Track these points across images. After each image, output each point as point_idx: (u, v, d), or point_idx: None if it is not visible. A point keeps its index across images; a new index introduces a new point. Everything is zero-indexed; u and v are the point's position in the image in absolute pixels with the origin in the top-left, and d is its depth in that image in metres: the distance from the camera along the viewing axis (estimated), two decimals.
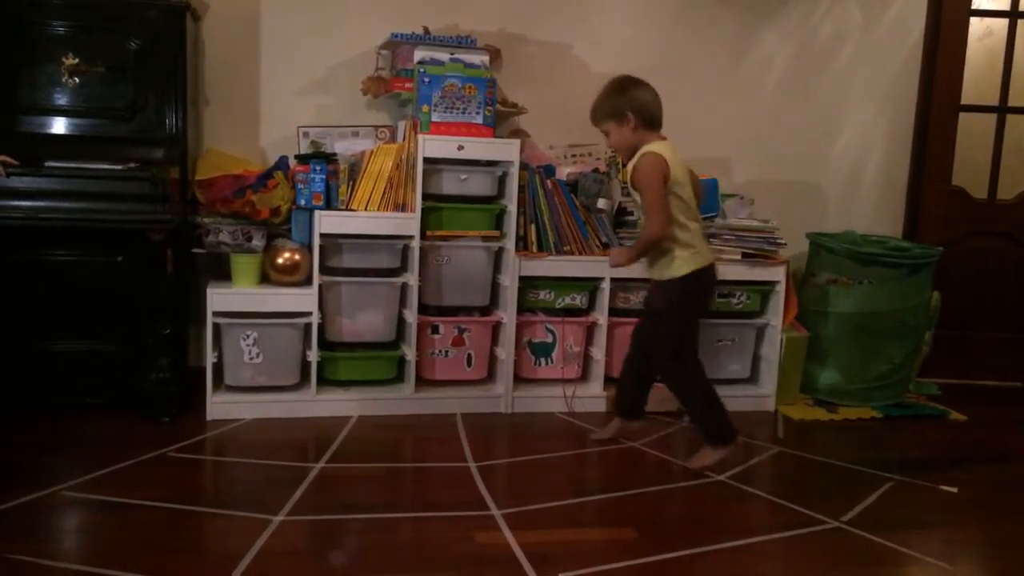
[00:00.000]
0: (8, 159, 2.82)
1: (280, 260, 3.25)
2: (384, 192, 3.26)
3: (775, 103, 4.13)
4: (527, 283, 3.43)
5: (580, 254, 3.44)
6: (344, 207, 3.26)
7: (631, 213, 3.53)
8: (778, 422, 3.51)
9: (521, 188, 3.37)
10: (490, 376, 3.55)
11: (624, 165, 3.03)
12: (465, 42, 3.43)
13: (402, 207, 3.28)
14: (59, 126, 3.11)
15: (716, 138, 4.05)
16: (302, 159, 3.31)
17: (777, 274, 3.59)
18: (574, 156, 3.73)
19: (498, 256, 3.46)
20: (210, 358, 3.19)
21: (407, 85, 3.35)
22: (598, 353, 3.50)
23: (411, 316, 3.33)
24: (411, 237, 3.29)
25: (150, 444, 2.87)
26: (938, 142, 4.25)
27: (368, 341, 3.41)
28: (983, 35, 4.34)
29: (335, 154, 3.39)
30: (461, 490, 2.66)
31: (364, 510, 2.47)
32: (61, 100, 3.09)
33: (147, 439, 2.92)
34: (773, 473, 2.98)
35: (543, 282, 3.46)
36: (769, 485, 2.82)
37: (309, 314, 3.24)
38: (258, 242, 3.28)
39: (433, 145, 3.25)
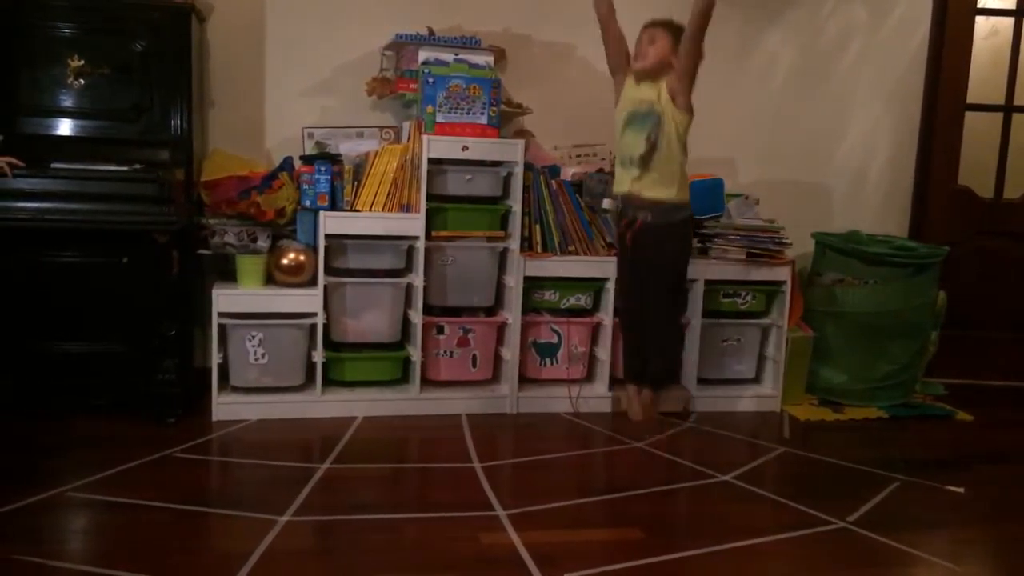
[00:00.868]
0: (14, 160, 2.83)
1: (285, 261, 3.26)
2: (389, 193, 3.27)
3: (780, 103, 4.12)
4: (532, 283, 3.43)
5: (585, 254, 3.44)
6: (349, 208, 3.26)
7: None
8: (784, 422, 3.51)
9: (526, 188, 3.37)
10: (495, 377, 3.54)
11: (637, 75, 3.13)
12: (469, 42, 3.43)
13: (407, 208, 3.28)
14: (65, 128, 3.12)
15: (721, 138, 4.04)
16: (307, 160, 3.32)
17: (782, 274, 3.59)
18: (579, 156, 3.72)
19: (503, 256, 3.46)
20: (215, 359, 3.19)
21: (412, 86, 3.35)
22: (603, 353, 3.49)
23: (416, 317, 3.33)
24: (416, 238, 3.29)
25: (155, 445, 2.87)
26: (944, 141, 4.23)
27: (373, 342, 3.41)
28: (989, 34, 4.32)
29: (340, 155, 3.39)
30: (466, 491, 2.66)
31: (369, 511, 2.47)
32: (67, 102, 3.10)
33: (152, 440, 2.92)
34: (779, 473, 2.98)
35: (548, 282, 3.46)
36: (775, 485, 2.82)
37: (314, 315, 3.24)
38: (263, 243, 3.28)
39: (438, 146, 3.25)
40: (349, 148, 3.47)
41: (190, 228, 3.21)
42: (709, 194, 3.51)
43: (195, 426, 3.09)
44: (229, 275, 3.32)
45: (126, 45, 3.11)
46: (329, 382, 3.35)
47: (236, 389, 3.27)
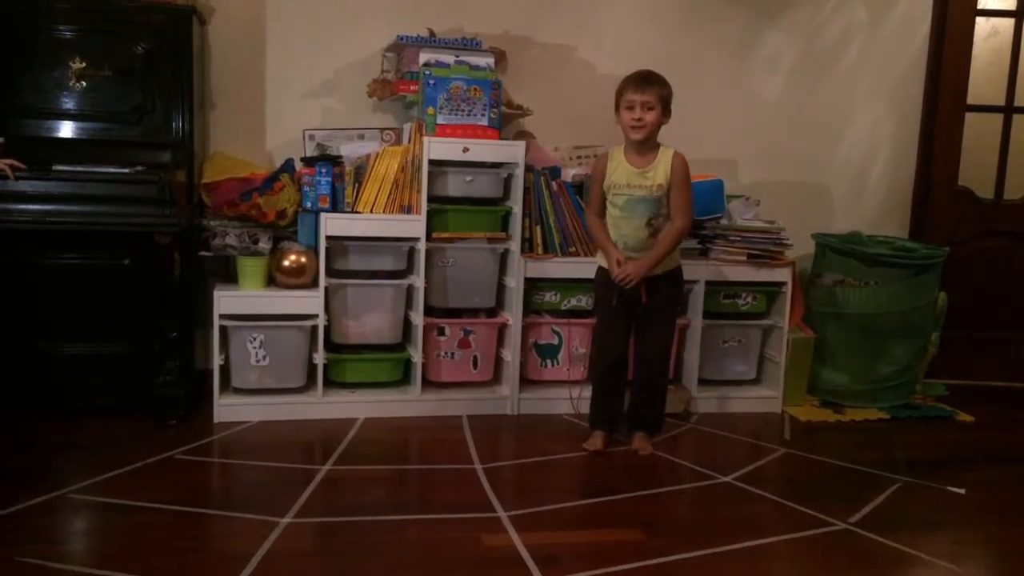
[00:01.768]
0: (15, 163, 2.84)
1: (286, 262, 3.26)
2: (390, 194, 3.27)
3: (781, 103, 4.12)
4: (533, 285, 3.43)
5: (586, 255, 3.44)
6: (350, 209, 3.27)
7: None
8: (785, 423, 3.51)
9: (526, 190, 3.37)
10: (496, 378, 3.55)
11: (634, 146, 2.94)
12: (470, 44, 3.43)
13: (408, 209, 3.29)
14: (66, 130, 3.13)
15: (722, 138, 4.05)
16: (308, 162, 3.32)
17: (783, 275, 3.59)
18: (579, 158, 3.72)
19: (504, 258, 3.46)
20: (217, 360, 3.19)
21: (412, 87, 3.36)
22: None
23: (417, 318, 3.33)
24: (417, 239, 3.29)
25: (157, 446, 2.88)
26: (944, 142, 4.23)
27: (374, 343, 3.42)
28: (989, 35, 4.32)
29: (341, 157, 3.39)
30: (467, 492, 2.66)
31: (371, 512, 2.47)
32: (68, 104, 3.11)
33: (154, 441, 2.93)
34: (780, 474, 2.98)
35: (549, 284, 3.46)
36: (776, 486, 2.82)
37: (315, 316, 3.24)
38: (264, 245, 3.29)
39: (438, 147, 3.25)
40: (350, 150, 3.47)
41: (191, 230, 3.22)
42: (709, 195, 3.50)
43: (196, 428, 3.09)
44: (230, 277, 3.33)
45: (128, 47, 3.12)
46: (330, 383, 3.36)
47: (237, 391, 3.27)
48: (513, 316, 3.41)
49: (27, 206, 2.89)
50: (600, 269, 3.10)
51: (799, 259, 3.78)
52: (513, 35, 3.76)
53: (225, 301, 3.18)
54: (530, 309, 3.48)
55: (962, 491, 2.83)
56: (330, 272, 3.29)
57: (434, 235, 3.32)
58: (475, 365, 3.48)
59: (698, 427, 3.38)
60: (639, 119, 2.87)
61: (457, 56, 3.34)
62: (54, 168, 2.94)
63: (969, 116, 4.25)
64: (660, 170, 2.90)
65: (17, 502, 2.40)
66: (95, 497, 2.48)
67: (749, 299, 3.63)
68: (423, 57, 3.32)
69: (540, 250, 3.41)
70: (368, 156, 3.33)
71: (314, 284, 3.27)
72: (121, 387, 3.16)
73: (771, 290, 3.63)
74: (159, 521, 2.36)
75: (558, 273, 3.43)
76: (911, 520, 2.60)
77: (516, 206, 3.36)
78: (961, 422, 3.67)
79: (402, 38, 3.41)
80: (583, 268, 3.39)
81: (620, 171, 2.96)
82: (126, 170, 3.00)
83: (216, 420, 3.17)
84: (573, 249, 3.44)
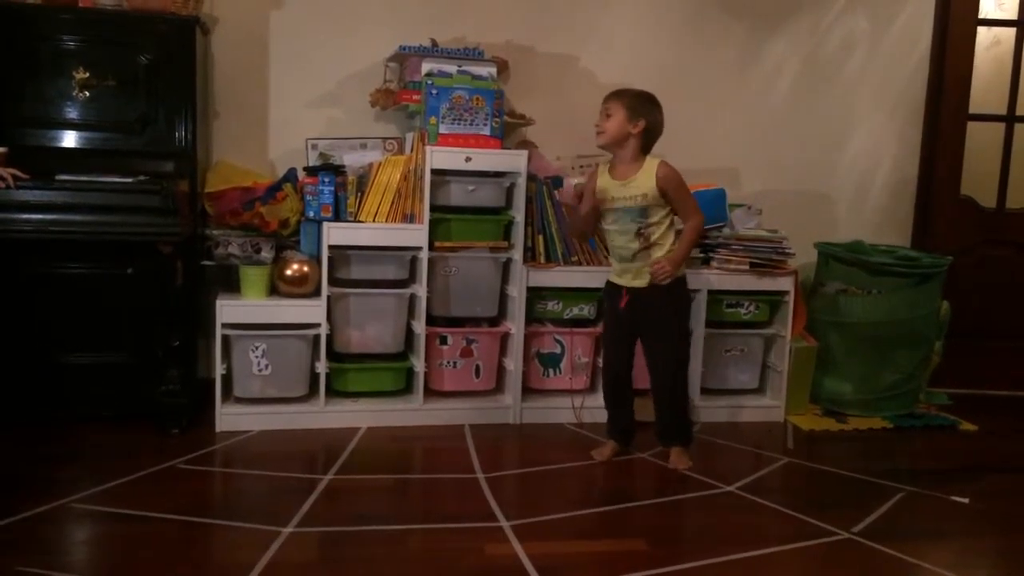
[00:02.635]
0: (17, 172, 2.84)
1: (289, 272, 3.26)
2: (392, 203, 3.27)
3: (783, 113, 4.13)
4: (535, 294, 3.44)
5: (588, 264, 3.44)
6: (353, 219, 3.27)
7: None
8: (788, 432, 3.50)
9: (529, 199, 3.37)
10: (499, 387, 3.54)
11: (606, 165, 3.01)
12: (473, 54, 3.44)
13: (410, 218, 3.29)
14: (70, 139, 3.14)
15: (724, 148, 4.05)
16: (311, 171, 3.33)
17: (786, 284, 3.59)
18: (582, 167, 3.73)
19: (506, 267, 3.46)
20: (219, 370, 3.19)
21: (415, 97, 3.36)
22: None
23: (419, 327, 3.33)
24: (419, 248, 3.30)
25: (159, 456, 2.88)
26: (947, 151, 4.24)
27: (377, 352, 3.42)
28: (991, 44, 4.33)
29: (343, 166, 3.40)
30: (470, 502, 2.66)
31: (373, 522, 2.47)
32: (72, 114, 3.12)
33: (157, 451, 2.93)
34: (783, 484, 2.97)
35: (551, 293, 3.46)
36: (779, 496, 2.81)
37: (318, 325, 3.25)
38: (267, 254, 3.29)
39: (441, 157, 3.26)
40: (353, 159, 3.49)
41: (194, 239, 3.22)
42: (712, 204, 3.50)
43: (199, 437, 3.09)
44: (233, 286, 3.33)
45: (131, 57, 3.13)
46: (333, 393, 3.36)
47: (240, 400, 3.27)
48: (515, 325, 3.41)
49: (30, 216, 2.90)
50: (608, 281, 3.10)
51: (802, 268, 3.78)
52: (515, 45, 3.77)
53: (227, 310, 3.18)
54: (532, 318, 3.48)
55: (966, 500, 2.83)
56: (332, 281, 3.29)
57: (436, 244, 3.33)
58: (477, 374, 3.48)
59: (701, 436, 3.37)
60: (597, 124, 2.96)
61: (459, 66, 3.35)
62: (57, 178, 2.95)
63: (971, 125, 4.25)
64: (642, 180, 2.91)
65: (19, 511, 2.40)
66: (97, 506, 2.48)
67: (752, 308, 3.63)
68: (425, 67, 3.33)
69: (542, 259, 3.41)
70: (371, 165, 3.34)
71: (316, 293, 3.27)
72: (123, 396, 3.16)
73: (774, 299, 3.63)
74: (161, 531, 2.36)
75: (560, 282, 3.43)
76: (914, 530, 2.59)
77: (518, 215, 3.36)
78: (965, 431, 3.66)
79: (405, 48, 3.42)
80: (585, 277, 3.40)
81: (605, 185, 2.99)
82: (129, 180, 3.01)
83: (218, 429, 3.17)
84: (575, 258, 3.45)
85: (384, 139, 3.61)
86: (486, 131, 3.31)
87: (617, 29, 3.91)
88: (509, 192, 3.42)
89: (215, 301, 3.20)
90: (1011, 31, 4.28)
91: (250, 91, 3.61)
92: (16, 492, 2.53)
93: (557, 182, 3.49)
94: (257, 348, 3.23)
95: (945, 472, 3.13)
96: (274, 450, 3.03)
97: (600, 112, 2.96)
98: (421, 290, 3.31)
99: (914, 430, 3.63)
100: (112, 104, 3.13)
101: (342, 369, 3.36)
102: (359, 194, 3.28)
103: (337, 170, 3.33)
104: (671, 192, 2.91)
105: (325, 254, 3.23)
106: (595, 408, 3.47)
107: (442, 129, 3.27)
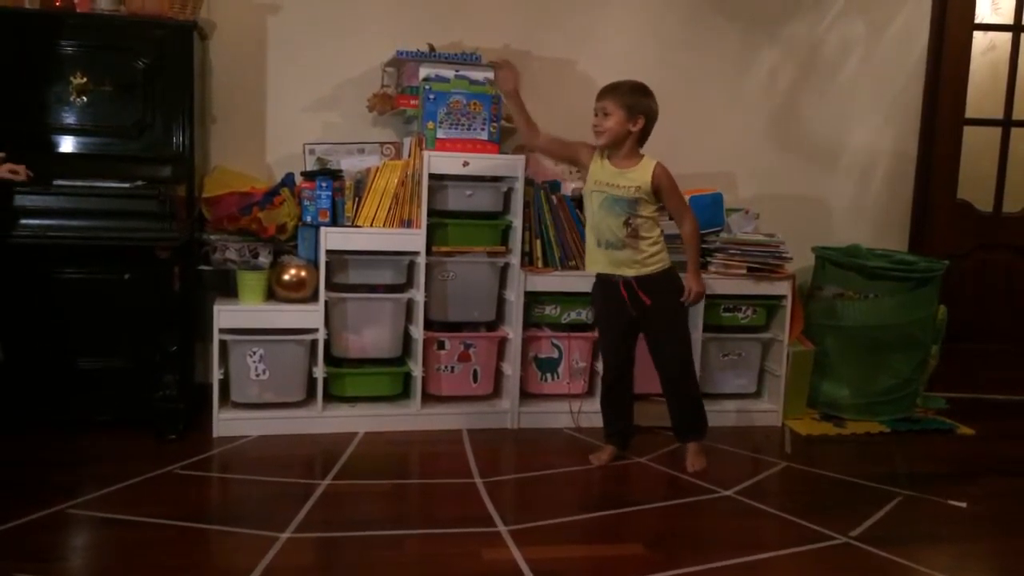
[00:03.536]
0: (16, 168, 2.81)
1: (286, 277, 3.26)
2: (390, 208, 3.28)
3: (780, 117, 4.13)
4: (533, 298, 3.44)
5: (585, 269, 3.44)
6: (350, 223, 3.27)
7: None
8: (785, 437, 3.50)
9: (526, 203, 3.37)
10: (496, 392, 3.54)
11: (603, 153, 3.00)
12: (470, 59, 3.45)
13: (408, 223, 3.29)
14: (67, 144, 3.14)
15: (721, 152, 4.06)
16: (308, 176, 3.33)
17: (783, 288, 3.59)
18: (579, 172, 3.72)
19: (504, 271, 3.46)
20: (216, 375, 3.19)
21: (412, 102, 3.37)
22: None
23: (417, 332, 3.33)
24: (417, 253, 3.30)
25: (157, 461, 2.87)
26: (943, 155, 4.25)
27: (374, 357, 3.41)
28: (987, 49, 4.34)
29: (341, 171, 3.40)
30: (468, 506, 2.66)
31: (371, 527, 2.47)
32: (69, 119, 3.12)
33: (154, 456, 2.92)
34: (781, 488, 2.97)
35: (549, 297, 3.46)
36: (777, 500, 2.81)
37: (315, 330, 3.24)
38: (264, 259, 3.29)
39: (438, 161, 3.26)
40: (350, 164, 3.49)
41: (191, 244, 3.22)
42: (709, 208, 3.51)
43: (196, 442, 3.09)
44: (230, 291, 3.33)
45: (128, 62, 3.13)
46: (330, 397, 3.35)
47: (237, 405, 3.27)
48: (513, 330, 3.41)
49: (27, 221, 2.90)
50: (594, 284, 3.11)
51: (799, 272, 3.78)
52: (513, 49, 3.77)
53: (225, 315, 3.18)
54: (530, 322, 3.48)
55: (963, 504, 2.83)
56: (330, 286, 3.29)
57: (434, 249, 3.33)
58: (475, 379, 3.48)
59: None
60: (596, 124, 2.96)
61: (457, 70, 3.35)
62: (54, 183, 2.95)
63: (967, 129, 4.27)
64: (639, 175, 2.94)
65: (16, 517, 2.39)
66: (94, 512, 2.48)
67: (749, 312, 3.63)
68: (423, 71, 3.33)
69: (540, 263, 3.41)
70: (368, 170, 3.34)
71: (314, 298, 3.27)
72: (121, 401, 3.15)
73: (771, 303, 3.63)
74: (159, 536, 2.36)
75: (558, 286, 3.43)
76: (912, 533, 2.59)
77: (516, 220, 3.36)
78: (962, 435, 3.66)
79: (402, 53, 3.43)
80: (583, 281, 3.39)
81: (601, 168, 3.00)
82: (126, 185, 3.01)
83: (216, 434, 3.17)
84: (573, 263, 3.45)
85: (382, 144, 3.61)
86: (484, 136, 3.32)
87: (614, 34, 3.92)
88: (507, 197, 3.42)
89: (212, 306, 3.20)
90: (1007, 35, 4.29)
91: (248, 96, 3.61)
92: (12, 498, 2.52)
93: (555, 186, 3.49)
94: (255, 353, 3.22)
95: (942, 476, 3.13)
96: (272, 455, 3.02)
97: (596, 111, 2.97)
98: (419, 295, 3.31)
99: (911, 434, 3.63)
100: (109, 109, 3.13)
101: (340, 374, 3.36)
102: (357, 199, 3.28)
103: (335, 175, 3.33)
104: (664, 190, 2.95)
105: (323, 259, 3.23)
106: (593, 412, 3.47)
107: (440, 134, 3.27)
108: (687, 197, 3.19)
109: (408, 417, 3.37)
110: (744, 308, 3.62)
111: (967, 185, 4.31)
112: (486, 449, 3.19)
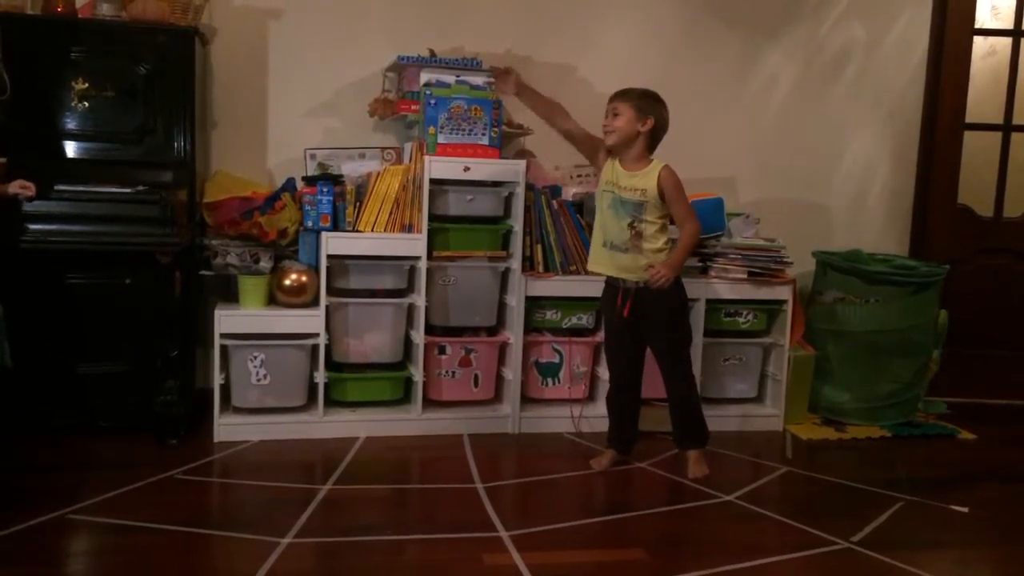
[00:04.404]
0: (27, 184, 2.81)
1: (287, 281, 3.26)
2: (391, 213, 3.28)
3: (780, 122, 4.14)
4: (534, 303, 3.44)
5: (586, 274, 3.44)
6: (351, 228, 3.28)
7: None
8: (786, 441, 3.50)
9: (527, 208, 3.38)
10: (497, 396, 3.54)
11: (610, 153, 3.02)
12: (471, 64, 3.45)
13: (409, 228, 3.30)
14: (69, 150, 3.14)
15: (721, 157, 4.07)
16: (309, 181, 3.33)
17: (783, 293, 3.59)
18: (579, 176, 3.74)
19: (504, 276, 3.46)
20: (217, 380, 3.19)
21: (413, 107, 3.38)
22: (605, 373, 3.48)
23: (418, 337, 3.33)
24: (417, 258, 3.30)
25: (157, 466, 2.87)
26: (943, 160, 4.25)
27: (375, 362, 3.42)
28: (987, 53, 4.35)
29: (342, 176, 3.41)
30: (468, 511, 2.65)
31: (371, 532, 2.46)
32: (71, 124, 3.12)
33: (155, 461, 2.92)
34: (782, 493, 2.97)
35: (550, 302, 3.47)
36: (778, 505, 2.81)
37: (316, 335, 3.24)
38: (265, 264, 3.29)
39: (439, 166, 3.27)
40: (351, 169, 3.49)
41: (193, 249, 3.23)
42: (710, 213, 3.51)
43: (197, 447, 3.09)
44: (231, 296, 3.33)
45: (130, 68, 3.14)
46: (331, 402, 3.35)
47: (238, 410, 3.27)
48: (514, 334, 3.41)
49: (29, 226, 2.90)
50: (604, 288, 3.11)
51: (799, 277, 3.79)
52: (514, 55, 3.78)
53: (226, 320, 3.18)
54: (531, 327, 3.48)
55: (965, 509, 2.82)
56: (331, 291, 3.29)
57: (435, 254, 3.33)
58: (476, 383, 3.47)
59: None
60: (606, 124, 2.99)
61: (458, 76, 3.36)
62: (56, 188, 2.95)
63: (968, 134, 4.27)
64: (648, 178, 2.94)
65: (16, 523, 2.39)
66: (95, 517, 2.47)
67: (750, 317, 3.63)
68: (424, 77, 3.34)
69: (541, 268, 3.42)
70: (369, 175, 3.35)
71: (315, 303, 3.27)
72: (122, 406, 3.15)
73: (772, 308, 3.63)
74: (159, 541, 2.35)
75: (559, 291, 3.43)
76: (914, 539, 2.59)
77: (517, 224, 3.37)
78: (963, 440, 3.66)
79: (403, 58, 3.43)
80: (584, 286, 3.40)
81: (612, 169, 3.01)
82: (128, 190, 3.01)
83: (216, 439, 3.16)
84: (574, 267, 3.45)
85: (383, 149, 3.62)
86: (484, 141, 3.32)
87: (615, 39, 3.93)
88: (507, 201, 3.42)
89: (214, 311, 3.20)
90: (1007, 40, 4.30)
91: (249, 101, 3.62)
92: (12, 503, 2.52)
93: (555, 191, 3.50)
94: (256, 358, 3.22)
95: (944, 481, 3.12)
96: (272, 460, 3.02)
97: (607, 112, 2.99)
98: (420, 299, 3.31)
99: (913, 439, 3.63)
100: (111, 114, 3.13)
101: (341, 379, 3.36)
102: (358, 204, 3.29)
103: (336, 180, 3.33)
104: (668, 193, 2.94)
105: (324, 264, 3.24)
106: (593, 417, 3.47)
107: (440, 139, 3.28)
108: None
109: (409, 422, 3.37)
110: (745, 312, 3.62)
111: (967, 190, 4.31)
112: (487, 454, 3.19)
